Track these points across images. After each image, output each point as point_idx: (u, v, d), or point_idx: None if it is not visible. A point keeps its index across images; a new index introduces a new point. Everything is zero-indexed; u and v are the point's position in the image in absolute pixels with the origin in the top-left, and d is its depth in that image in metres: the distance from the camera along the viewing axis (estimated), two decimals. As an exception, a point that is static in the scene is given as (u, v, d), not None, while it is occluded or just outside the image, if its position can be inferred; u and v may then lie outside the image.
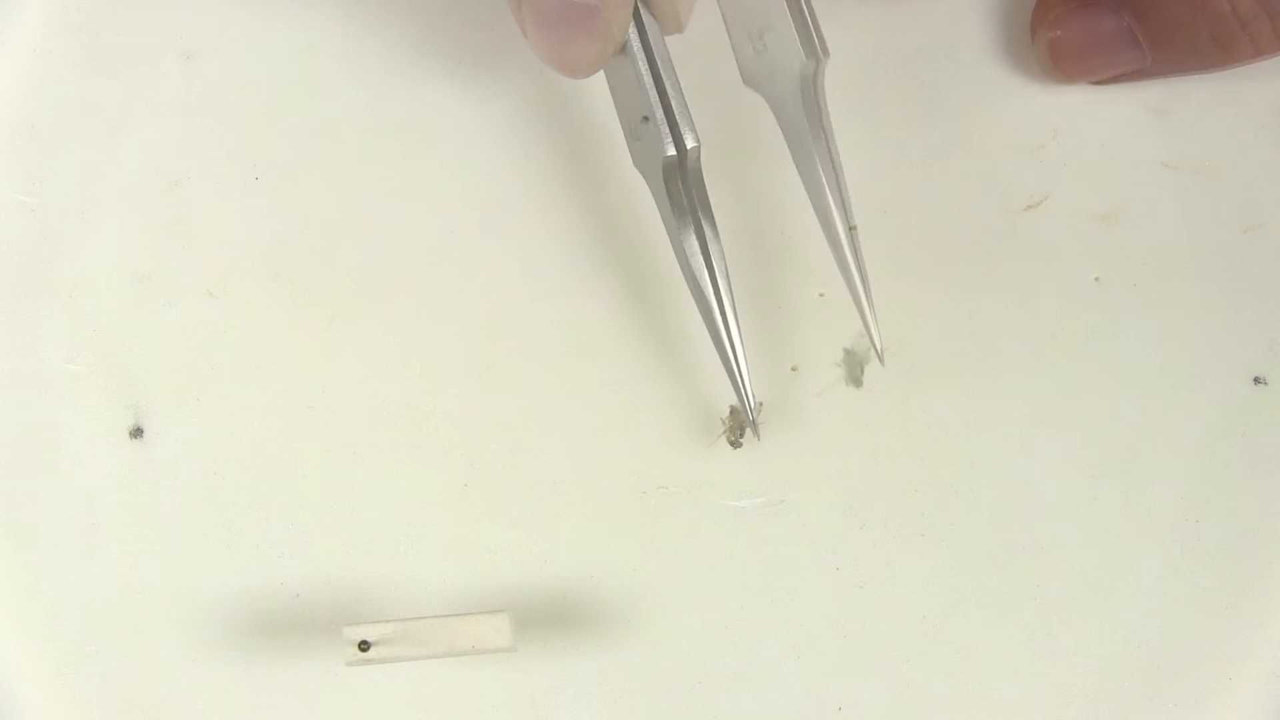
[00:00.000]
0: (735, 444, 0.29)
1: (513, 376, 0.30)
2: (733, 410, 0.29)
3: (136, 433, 0.30)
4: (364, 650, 0.27)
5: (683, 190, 0.28)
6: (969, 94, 0.31)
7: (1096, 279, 0.31)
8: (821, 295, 0.30)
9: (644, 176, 0.28)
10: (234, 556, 0.29)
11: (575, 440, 0.30)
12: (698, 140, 0.27)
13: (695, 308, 0.29)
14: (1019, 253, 0.31)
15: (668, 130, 0.27)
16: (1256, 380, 0.30)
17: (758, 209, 0.30)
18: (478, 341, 0.30)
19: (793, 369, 0.30)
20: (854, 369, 0.29)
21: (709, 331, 0.28)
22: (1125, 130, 0.31)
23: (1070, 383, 0.30)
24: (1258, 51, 0.28)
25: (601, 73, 0.27)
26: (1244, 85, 0.31)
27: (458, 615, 0.27)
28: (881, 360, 0.28)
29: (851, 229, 0.28)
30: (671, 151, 0.27)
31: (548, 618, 0.29)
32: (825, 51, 0.27)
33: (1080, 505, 0.30)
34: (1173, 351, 0.30)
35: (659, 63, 0.27)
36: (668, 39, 0.27)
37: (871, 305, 0.27)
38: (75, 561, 0.29)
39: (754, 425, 0.29)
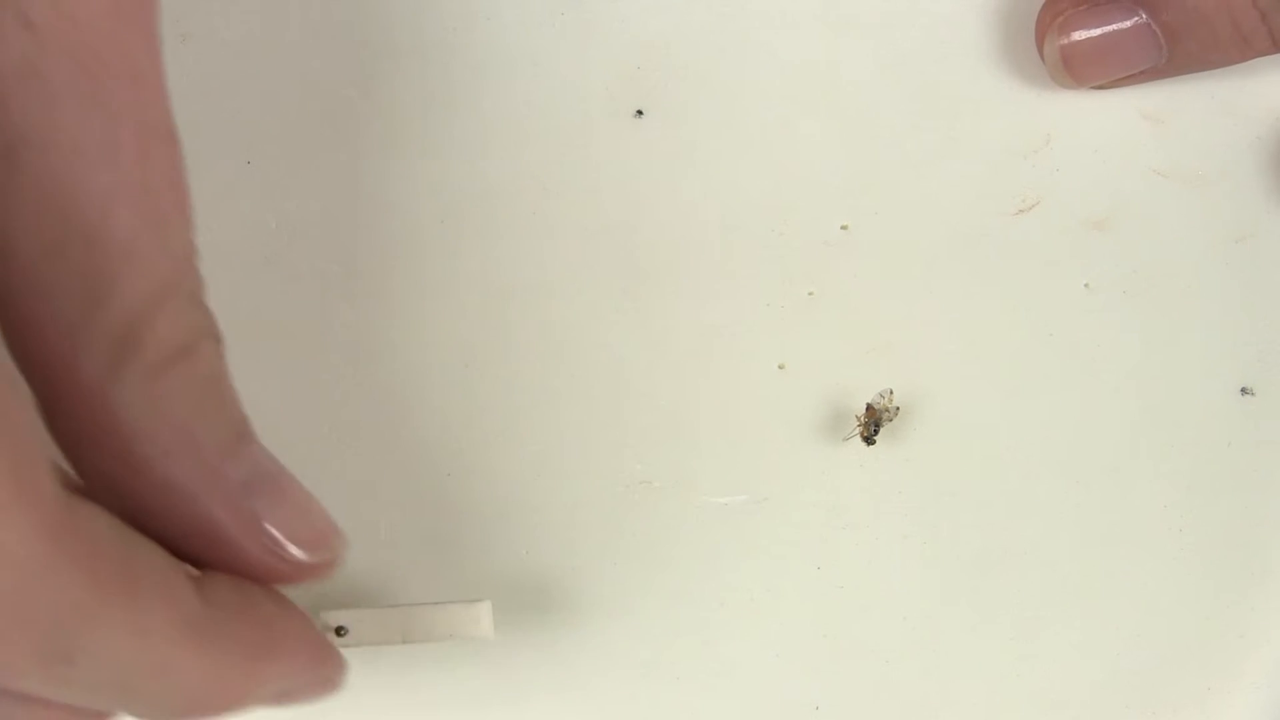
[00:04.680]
0: (870, 441, 0.29)
1: (498, 368, 0.30)
2: (869, 407, 0.29)
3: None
4: (340, 636, 0.27)
5: None
6: (964, 97, 0.31)
7: (1086, 285, 0.31)
8: (810, 294, 0.30)
9: None
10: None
11: (559, 433, 0.30)
12: None
13: (684, 301, 0.29)
14: (1010, 257, 0.31)
15: None
16: (1243, 391, 0.30)
17: (749, 207, 0.30)
18: (465, 332, 0.30)
19: (780, 367, 0.30)
20: (869, 428, 0.29)
21: None
22: (1119, 137, 0.31)
23: (1058, 388, 0.30)
24: (1275, 44, 0.28)
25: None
26: (1238, 95, 0.31)
27: (436, 604, 0.27)
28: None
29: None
30: None
31: (528, 609, 0.29)
32: None
33: (1064, 511, 0.30)
34: (1161, 360, 0.30)
35: None
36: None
37: None
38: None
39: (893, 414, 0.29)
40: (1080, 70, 0.30)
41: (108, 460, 0.18)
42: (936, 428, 0.30)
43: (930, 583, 0.30)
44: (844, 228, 0.30)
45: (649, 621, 0.29)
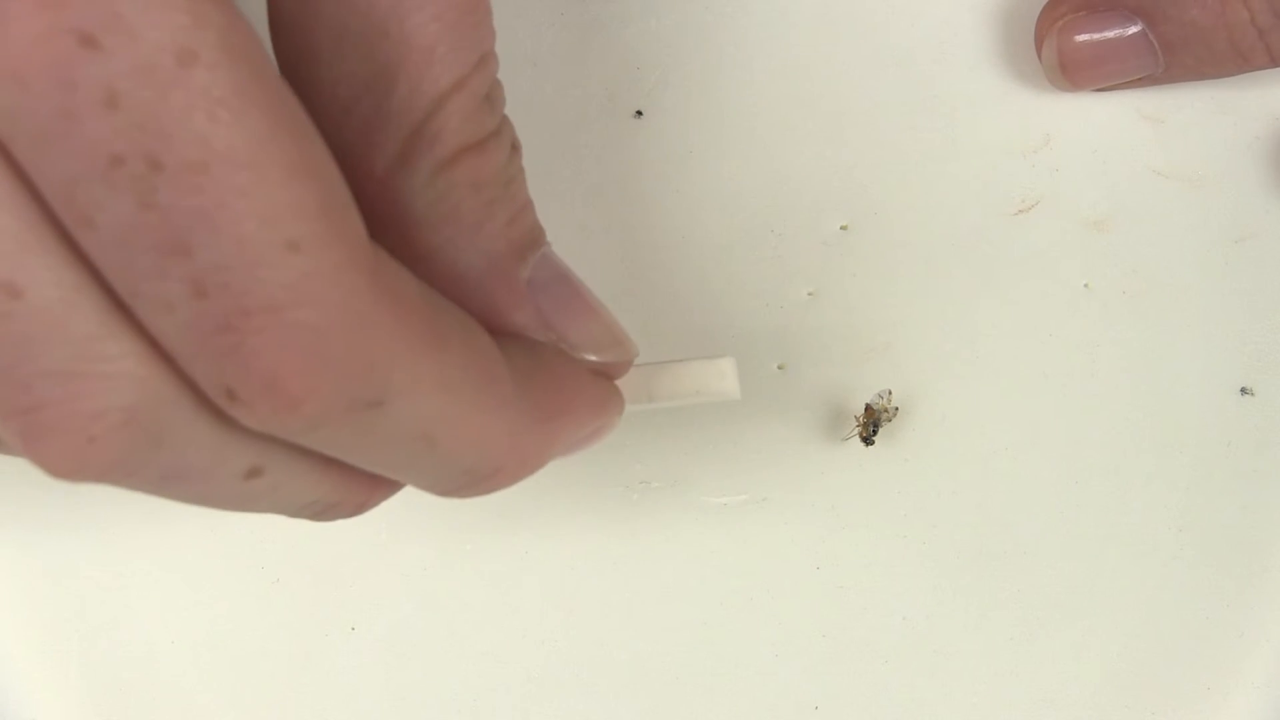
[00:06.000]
0: (869, 441, 0.29)
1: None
2: (868, 407, 0.29)
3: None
4: None
5: None
6: (963, 96, 0.31)
7: (1086, 285, 0.30)
8: (810, 294, 0.30)
9: None
10: (216, 539, 0.29)
11: (558, 432, 0.30)
12: None
13: (683, 301, 0.29)
14: (1010, 257, 0.31)
15: None
16: (1243, 391, 0.30)
17: (749, 207, 0.30)
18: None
19: (779, 367, 0.30)
20: (868, 428, 0.29)
21: None
22: (1118, 137, 0.31)
23: (1057, 388, 0.30)
24: (1273, 60, 0.28)
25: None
26: (1238, 96, 0.31)
27: (680, 360, 0.25)
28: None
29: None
30: None
31: (527, 610, 0.29)
32: None
33: (1063, 511, 0.30)
34: (1160, 360, 0.30)
35: None
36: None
37: None
38: (59, 541, 0.29)
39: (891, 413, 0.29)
40: (1077, 75, 0.30)
41: (395, 252, 0.18)
42: (936, 428, 0.30)
43: (930, 583, 0.30)
44: (844, 228, 0.30)
45: (648, 622, 0.29)
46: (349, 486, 0.20)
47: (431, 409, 0.18)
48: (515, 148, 0.21)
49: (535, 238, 0.21)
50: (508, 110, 0.31)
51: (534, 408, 0.20)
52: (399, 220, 0.19)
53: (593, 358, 0.21)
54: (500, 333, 0.20)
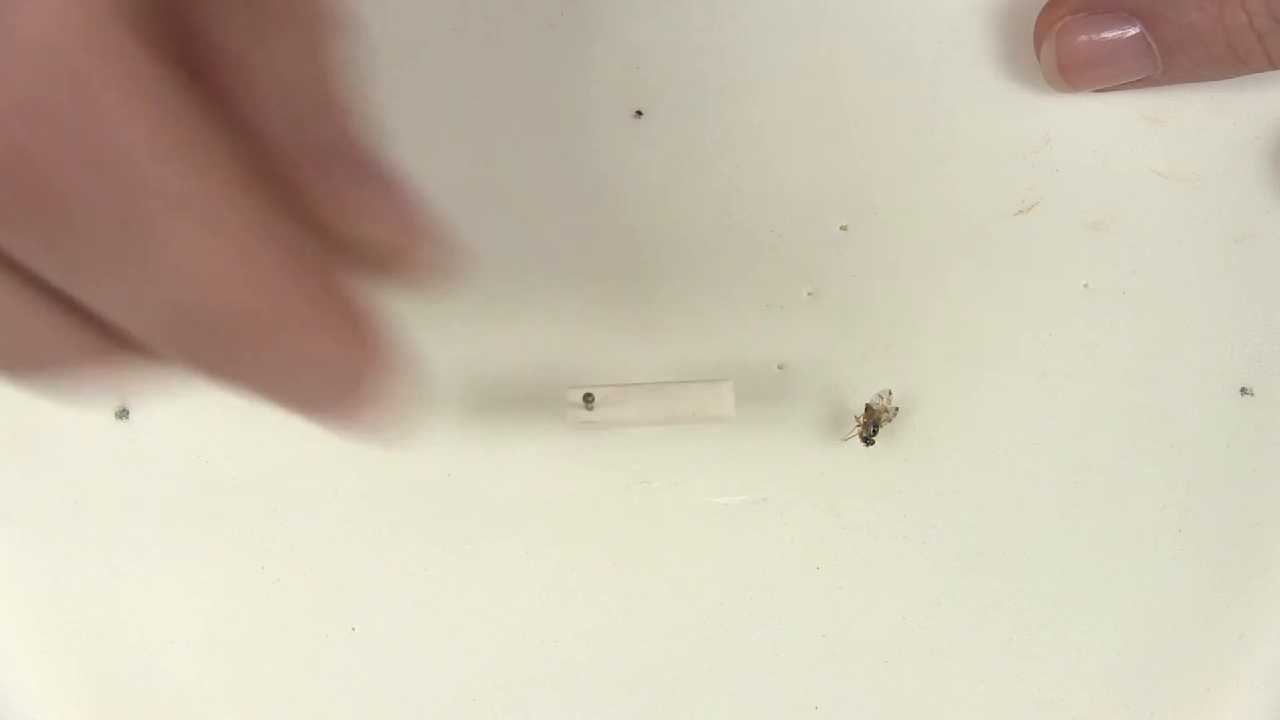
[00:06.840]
0: (869, 442, 0.29)
1: (498, 367, 0.30)
2: (868, 407, 0.29)
3: (123, 414, 0.30)
4: (589, 406, 0.26)
5: None
6: (963, 97, 0.31)
7: (1086, 285, 0.31)
8: (810, 294, 0.30)
9: None
10: (216, 540, 0.29)
11: (559, 432, 0.30)
12: None
13: (684, 301, 0.29)
14: (1009, 257, 0.31)
15: None
16: (1243, 391, 0.30)
17: (749, 207, 0.30)
18: (465, 331, 0.30)
19: (779, 367, 0.30)
20: (868, 428, 0.29)
21: None
22: (1118, 137, 0.31)
23: (1057, 388, 0.30)
24: (1271, 64, 0.28)
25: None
26: (1237, 96, 0.31)
27: (679, 382, 0.26)
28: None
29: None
30: None
31: (526, 609, 0.29)
32: None
33: (1063, 511, 0.30)
34: (1160, 360, 0.30)
35: None
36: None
37: None
38: (59, 541, 0.29)
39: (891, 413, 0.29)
40: (1075, 76, 0.30)
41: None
42: (935, 428, 0.30)
43: (930, 583, 0.30)
44: (844, 228, 0.30)
45: (647, 622, 0.29)
46: (69, 332, 0.18)
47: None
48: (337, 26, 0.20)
49: (338, 101, 0.20)
50: (510, 111, 0.31)
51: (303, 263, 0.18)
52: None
53: (383, 237, 0.20)
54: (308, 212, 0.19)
